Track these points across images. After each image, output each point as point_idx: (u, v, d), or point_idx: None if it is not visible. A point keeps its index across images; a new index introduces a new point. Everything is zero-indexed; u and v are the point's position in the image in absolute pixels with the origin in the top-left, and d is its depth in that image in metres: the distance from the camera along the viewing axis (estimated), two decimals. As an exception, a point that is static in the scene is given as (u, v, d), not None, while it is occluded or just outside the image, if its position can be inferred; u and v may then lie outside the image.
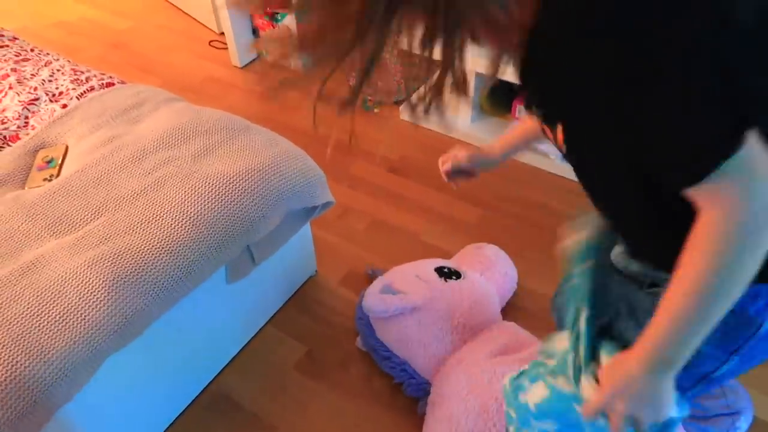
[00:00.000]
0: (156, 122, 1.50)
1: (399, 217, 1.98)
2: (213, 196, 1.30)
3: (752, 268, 0.63)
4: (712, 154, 0.58)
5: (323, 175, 1.51)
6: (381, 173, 2.15)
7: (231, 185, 1.32)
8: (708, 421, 1.32)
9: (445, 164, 1.15)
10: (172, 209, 1.27)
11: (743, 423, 1.32)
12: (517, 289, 1.69)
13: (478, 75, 2.13)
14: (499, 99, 2.26)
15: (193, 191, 1.30)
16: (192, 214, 1.26)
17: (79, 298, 1.12)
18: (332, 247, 1.88)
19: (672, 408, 0.74)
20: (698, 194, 0.62)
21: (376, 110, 2.42)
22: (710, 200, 0.61)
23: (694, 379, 0.81)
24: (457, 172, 1.15)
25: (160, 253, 1.20)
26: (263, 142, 1.47)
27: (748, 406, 1.34)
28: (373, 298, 1.47)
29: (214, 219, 1.27)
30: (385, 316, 1.46)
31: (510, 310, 1.64)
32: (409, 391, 1.45)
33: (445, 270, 1.54)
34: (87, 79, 1.69)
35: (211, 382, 1.54)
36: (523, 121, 1.08)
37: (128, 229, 1.24)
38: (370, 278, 1.73)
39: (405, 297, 1.44)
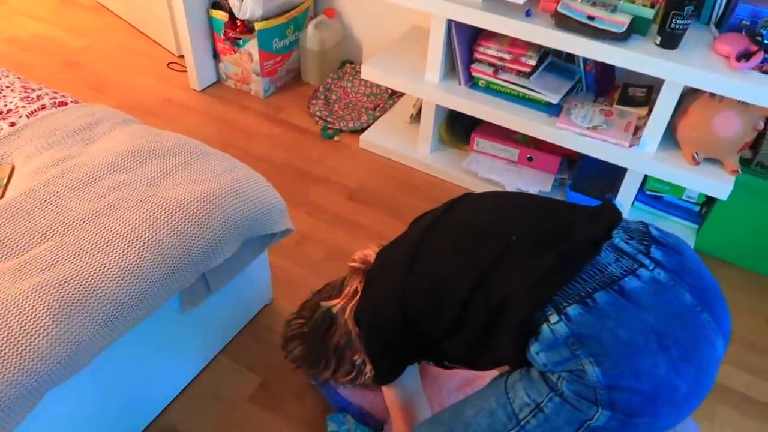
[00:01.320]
0: (111, 144, 1.46)
1: (357, 245, 1.97)
2: (168, 221, 1.26)
3: None
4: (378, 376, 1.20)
5: (283, 202, 1.50)
6: (340, 201, 2.14)
7: (188, 210, 1.29)
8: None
9: None
10: (125, 234, 1.22)
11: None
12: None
13: (438, 107, 2.17)
14: (457, 130, 2.31)
15: (147, 216, 1.26)
16: (145, 239, 1.23)
17: (21, 327, 1.06)
18: (289, 275, 1.85)
19: None
20: None
21: (336, 138, 2.42)
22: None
23: (576, 425, 0.87)
24: None
25: (110, 280, 1.16)
26: (222, 167, 1.45)
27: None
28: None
29: (169, 245, 1.24)
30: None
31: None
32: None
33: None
34: (38, 97, 1.63)
35: (158, 415, 1.47)
36: None
37: (77, 254, 1.19)
38: None
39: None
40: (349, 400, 1.46)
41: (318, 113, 2.50)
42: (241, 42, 2.51)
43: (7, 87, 1.67)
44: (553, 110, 2.00)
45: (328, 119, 2.48)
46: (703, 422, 1.51)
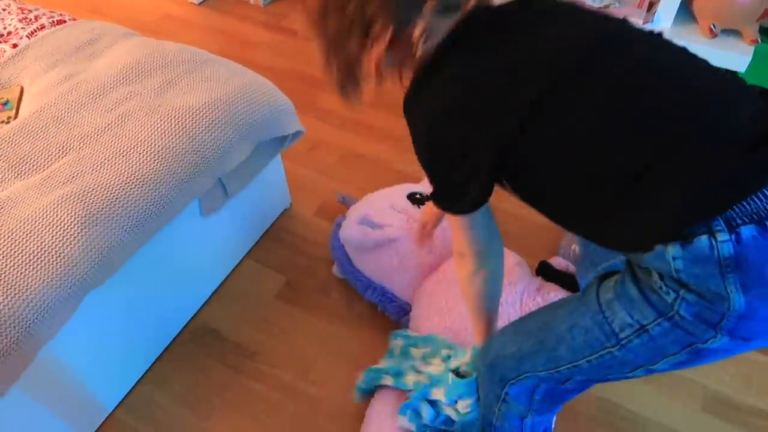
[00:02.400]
0: (114, 58, 1.45)
1: (370, 147, 1.98)
2: (180, 129, 1.28)
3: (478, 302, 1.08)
4: (445, 204, 0.93)
5: (291, 104, 1.50)
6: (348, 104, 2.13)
7: (197, 117, 1.30)
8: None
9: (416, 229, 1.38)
10: (139, 144, 1.25)
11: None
12: (488, 209, 1.73)
13: None
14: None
15: (158, 125, 1.28)
16: (159, 147, 1.25)
17: (53, 237, 1.12)
18: (305, 179, 1.88)
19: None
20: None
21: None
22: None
23: (681, 345, 0.80)
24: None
25: (131, 188, 1.19)
26: (227, 73, 1.44)
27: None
28: (350, 230, 1.49)
29: (183, 151, 1.26)
30: (362, 247, 1.49)
31: (483, 230, 1.69)
32: (390, 314, 1.50)
33: (418, 196, 1.56)
34: (36, 18, 1.62)
35: (194, 316, 1.56)
36: None
37: (95, 166, 1.22)
38: (341, 205, 1.75)
39: (383, 232, 1.46)
40: (372, 280, 1.51)
41: (319, 17, 2.44)
42: (233, -53, 2.42)
43: (4, 9, 1.65)
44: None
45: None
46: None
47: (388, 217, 1.50)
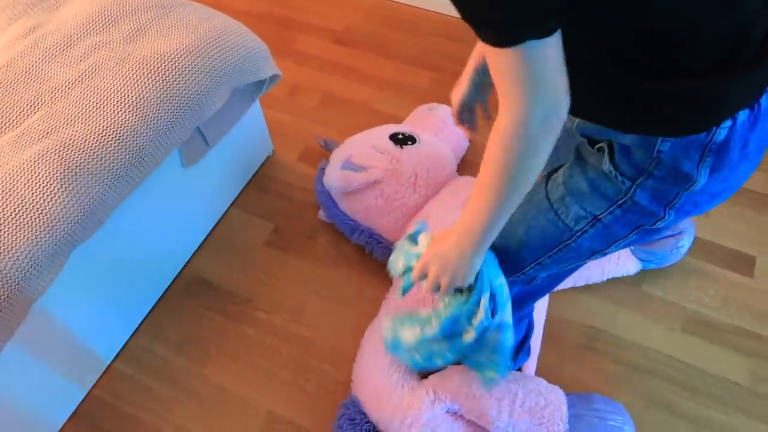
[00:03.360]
0: (78, 6, 1.40)
1: (349, 89, 1.95)
2: (153, 77, 1.25)
3: (533, 171, 0.73)
4: (500, 33, 0.61)
5: (266, 47, 1.46)
6: (326, 46, 2.08)
7: (170, 65, 1.27)
8: (652, 244, 1.43)
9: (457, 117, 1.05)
10: (112, 96, 1.22)
11: (685, 242, 1.43)
12: (469, 145, 1.73)
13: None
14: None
15: (131, 75, 1.25)
16: (134, 98, 1.22)
17: (32, 193, 1.11)
18: (286, 125, 1.86)
19: (469, 279, 0.91)
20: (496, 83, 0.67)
21: (314, -20, 2.30)
22: (503, 101, 0.67)
23: (631, 228, 0.85)
24: (465, 114, 1.04)
25: (108, 141, 1.17)
26: (198, 17, 1.40)
27: (690, 226, 1.45)
28: (334, 175, 1.49)
29: (158, 101, 1.24)
30: (347, 191, 1.49)
31: (465, 166, 1.69)
32: (378, 254, 1.51)
33: (400, 136, 1.55)
34: (-8, -32, 1.54)
35: (184, 267, 1.57)
36: None
37: (69, 120, 1.20)
38: (324, 150, 1.74)
39: (366, 174, 1.46)
40: (359, 222, 1.52)
41: (291, -46, 2.35)
42: None
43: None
44: None
45: (303, -40, 2.32)
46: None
47: (371, 159, 1.50)
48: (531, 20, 0.59)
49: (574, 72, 0.65)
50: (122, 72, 1.25)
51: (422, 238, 0.98)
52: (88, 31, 1.34)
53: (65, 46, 1.31)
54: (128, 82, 1.24)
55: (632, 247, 1.43)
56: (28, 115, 1.22)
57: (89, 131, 1.18)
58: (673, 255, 1.44)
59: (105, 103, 1.22)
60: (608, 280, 1.46)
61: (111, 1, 1.40)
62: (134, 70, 1.26)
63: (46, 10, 1.41)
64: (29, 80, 1.27)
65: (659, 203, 0.79)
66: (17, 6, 1.42)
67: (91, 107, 1.21)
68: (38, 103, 1.24)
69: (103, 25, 1.35)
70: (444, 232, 0.91)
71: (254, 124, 1.67)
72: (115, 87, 1.24)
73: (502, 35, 0.61)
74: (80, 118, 1.20)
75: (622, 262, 1.44)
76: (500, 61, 0.64)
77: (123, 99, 1.22)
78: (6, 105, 1.24)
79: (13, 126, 1.22)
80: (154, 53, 1.29)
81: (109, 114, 1.20)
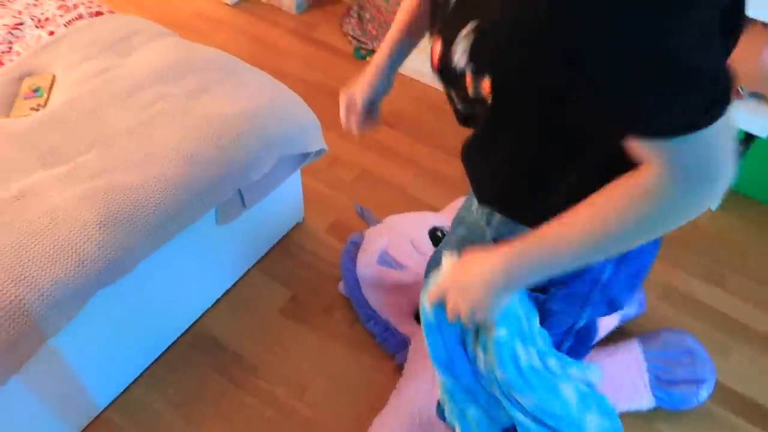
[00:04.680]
0: (149, 56, 1.46)
1: (387, 169, 1.98)
2: (208, 136, 1.28)
3: (657, 234, 0.65)
4: (693, 117, 0.54)
5: (318, 122, 1.50)
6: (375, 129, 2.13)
7: (227, 126, 1.30)
8: (674, 386, 1.40)
9: (349, 118, 1.03)
10: (167, 147, 1.25)
11: (705, 392, 1.40)
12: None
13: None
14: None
15: (187, 130, 1.28)
16: (186, 153, 1.25)
17: (71, 231, 1.12)
18: (320, 195, 1.88)
19: (493, 318, 0.78)
20: (648, 147, 0.58)
21: (369, 59, 2.38)
22: (661, 157, 0.58)
23: (562, 333, 0.88)
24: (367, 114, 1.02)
25: (153, 191, 1.19)
26: (260, 84, 1.45)
27: (712, 376, 1.42)
28: (369, 269, 1.50)
29: (209, 160, 1.26)
30: (376, 285, 1.50)
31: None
32: (388, 347, 1.49)
33: (439, 234, 1.57)
34: (75, 6, 1.62)
35: (196, 321, 1.55)
36: (403, 11, 0.95)
37: (121, 164, 1.22)
38: (359, 217, 1.74)
39: (400, 275, 1.47)
40: (377, 311, 1.51)
41: (351, 33, 2.45)
42: (273, -46, 2.43)
43: (43, -6, 1.66)
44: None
45: (362, 39, 2.43)
46: (717, 357, 1.55)
47: (408, 257, 1.51)
48: (729, 86, 0.55)
49: (551, 184, 0.69)
50: (180, 126, 1.29)
51: (445, 259, 0.82)
52: (156, 81, 1.39)
53: (131, 92, 1.36)
54: (184, 137, 1.27)
55: (650, 383, 1.40)
56: (83, 153, 1.25)
57: (138, 178, 1.20)
58: (689, 401, 1.40)
59: (158, 153, 1.24)
60: (621, 412, 1.42)
61: (181, 56, 1.45)
62: (191, 126, 1.29)
63: (119, 54, 1.47)
64: (91, 119, 1.30)
65: (574, 307, 0.82)
66: (92, 46, 1.48)
67: (144, 155, 1.24)
68: (95, 142, 1.27)
69: (170, 78, 1.40)
70: (476, 253, 0.77)
71: (290, 189, 1.69)
72: (171, 139, 1.27)
73: (712, 109, 0.54)
74: (132, 164, 1.22)
75: (636, 395, 1.40)
76: (685, 147, 0.56)
77: (176, 152, 1.25)
78: (64, 140, 1.27)
79: (66, 161, 1.24)
80: (213, 113, 1.32)
81: (159, 164, 1.23)
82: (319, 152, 1.55)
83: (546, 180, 0.72)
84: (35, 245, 1.09)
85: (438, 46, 0.70)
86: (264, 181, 1.44)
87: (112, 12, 1.64)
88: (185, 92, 1.37)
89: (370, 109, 1.02)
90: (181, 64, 1.43)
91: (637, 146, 0.59)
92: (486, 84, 0.66)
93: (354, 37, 2.44)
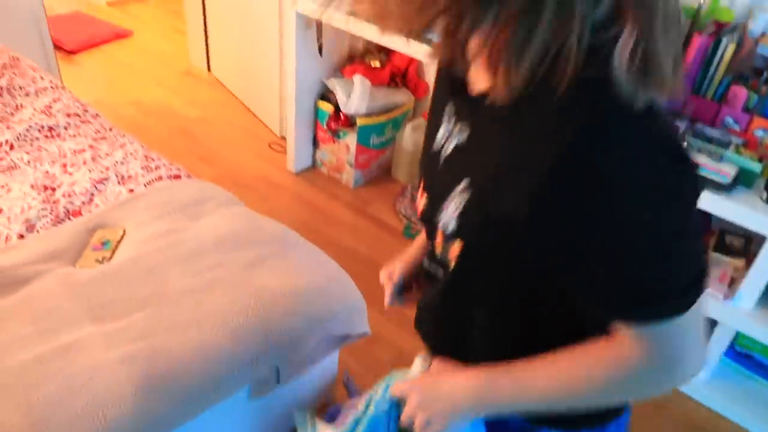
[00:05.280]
0: (216, 223, 1.54)
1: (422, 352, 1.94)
2: (256, 311, 1.30)
3: (622, 399, 0.75)
4: (671, 304, 0.57)
5: (365, 304, 1.51)
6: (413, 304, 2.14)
7: (276, 303, 1.32)
8: None
9: (385, 292, 1.01)
10: (216, 317, 1.27)
11: None
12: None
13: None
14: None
15: (239, 301, 1.30)
16: (232, 325, 1.26)
17: (106, 392, 1.10)
18: (355, 375, 1.83)
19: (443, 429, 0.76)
20: (627, 327, 0.62)
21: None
22: (640, 337, 0.62)
23: None
24: (398, 293, 1.01)
25: (195, 360, 1.19)
26: (313, 261, 1.49)
27: None
28: None
29: (253, 333, 1.27)
30: None
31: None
32: None
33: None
34: (156, 167, 1.76)
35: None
36: None
37: (168, 327, 1.24)
38: (344, 386, 1.66)
39: None
40: None
41: (403, 212, 2.56)
42: (341, 134, 2.65)
43: (131, 154, 1.82)
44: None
45: (413, 219, 2.52)
46: None
47: None
48: (705, 272, 0.59)
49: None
50: (230, 296, 1.32)
51: (418, 361, 0.85)
52: (217, 248, 1.45)
53: (191, 257, 1.41)
54: (231, 308, 1.29)
55: None
56: (133, 312, 1.28)
57: (180, 346, 1.20)
58: None
59: (204, 321, 1.26)
60: None
61: (244, 225, 1.53)
62: (241, 298, 1.31)
63: (189, 218, 1.56)
64: (149, 278, 1.35)
65: None
66: (165, 207, 1.58)
67: (191, 321, 1.25)
68: (148, 302, 1.30)
69: (231, 247, 1.46)
70: (449, 368, 0.78)
71: (326, 368, 1.66)
72: (219, 308, 1.29)
73: (688, 297, 0.58)
74: (177, 329, 1.24)
75: None
76: (666, 329, 0.60)
77: (221, 322, 1.26)
78: (118, 297, 1.31)
79: (116, 318, 1.26)
80: (264, 286, 1.35)
81: (205, 332, 1.24)
82: (361, 335, 1.54)
83: (495, 338, 0.76)
84: (68, 403, 1.08)
85: (424, 200, 0.76)
86: (303, 358, 1.43)
87: (189, 176, 1.78)
88: (242, 262, 1.42)
89: (408, 286, 1.02)
90: (243, 234, 1.50)
91: (615, 322, 0.63)
92: (455, 248, 0.70)
93: (405, 216, 2.54)
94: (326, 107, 2.64)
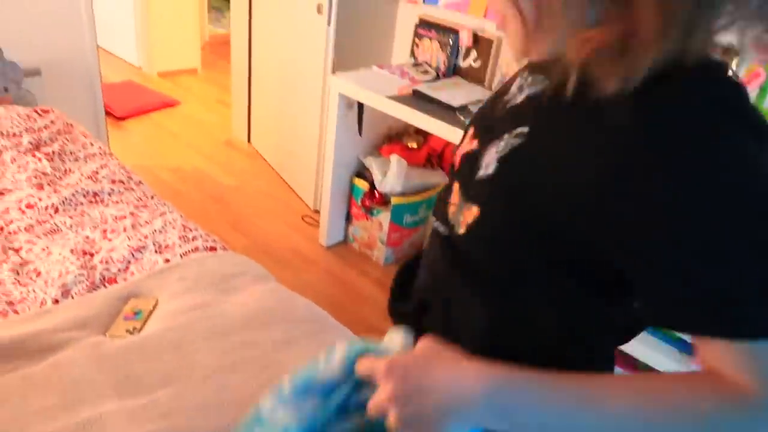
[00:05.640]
0: (247, 299, 1.53)
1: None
2: (284, 394, 1.26)
3: None
4: None
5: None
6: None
7: (304, 387, 1.28)
8: None
9: None
10: (241, 399, 1.23)
11: None
12: None
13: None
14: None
15: (263, 386, 1.26)
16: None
17: (123, 476, 1.06)
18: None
19: None
20: (729, 352, 0.50)
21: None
22: (750, 367, 0.49)
23: None
24: None
25: (216, 445, 1.14)
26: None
27: None
28: None
29: (279, 419, 1.22)
30: None
31: None
32: None
33: None
34: (193, 238, 1.78)
35: None
36: None
37: (192, 409, 1.20)
38: None
39: None
40: None
41: (433, 293, 2.52)
42: (375, 211, 2.66)
43: (170, 223, 1.84)
44: (686, 347, 1.87)
45: (442, 301, 2.48)
46: None
47: None
48: None
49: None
50: (256, 379, 1.28)
51: (396, 334, 0.64)
52: (246, 326, 1.43)
53: (221, 334, 1.39)
54: (256, 393, 1.25)
55: None
56: (158, 388, 1.25)
57: (203, 428, 1.17)
58: None
59: (230, 404, 1.22)
60: None
61: (276, 303, 1.51)
62: (266, 382, 1.27)
63: (221, 292, 1.55)
64: (177, 353, 1.33)
65: None
66: (198, 280, 1.58)
67: (216, 403, 1.22)
68: (174, 378, 1.27)
69: (261, 325, 1.44)
70: (450, 351, 0.58)
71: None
72: (244, 391, 1.25)
73: None
74: (201, 411, 1.20)
75: None
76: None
77: (245, 406, 1.22)
78: (146, 370, 1.28)
79: (141, 393, 1.24)
80: (293, 369, 1.32)
81: (228, 417, 1.20)
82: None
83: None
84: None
85: (472, 145, 0.67)
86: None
87: (225, 249, 1.78)
88: (272, 342, 1.39)
89: None
90: (274, 312, 1.48)
91: (710, 354, 0.51)
92: (469, 213, 0.60)
93: (435, 298, 2.50)
94: (362, 184, 2.68)
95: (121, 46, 4.92)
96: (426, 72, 2.53)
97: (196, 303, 1.49)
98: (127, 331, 1.41)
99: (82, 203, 1.89)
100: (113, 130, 3.58)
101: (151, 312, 1.48)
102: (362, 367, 0.63)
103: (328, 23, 2.62)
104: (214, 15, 5.98)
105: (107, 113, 3.17)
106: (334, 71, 2.63)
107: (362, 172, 2.71)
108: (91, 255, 1.67)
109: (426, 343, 0.60)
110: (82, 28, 2.79)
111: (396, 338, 0.63)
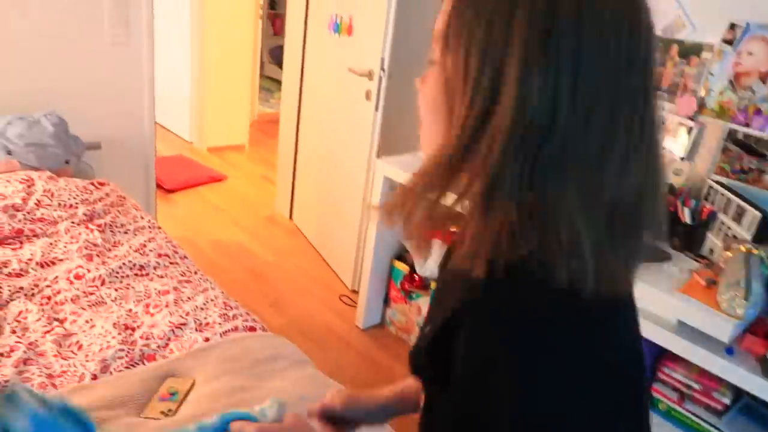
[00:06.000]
0: (284, 384, 1.49)
1: None
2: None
3: None
4: None
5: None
6: None
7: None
8: None
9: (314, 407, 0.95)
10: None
11: None
12: None
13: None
14: None
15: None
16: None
17: None
18: None
19: None
20: None
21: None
22: None
23: None
24: (329, 417, 0.94)
25: None
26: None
27: None
28: None
29: None
30: None
31: None
32: None
33: None
34: (234, 317, 1.77)
35: None
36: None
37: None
38: None
39: None
40: None
41: (471, 384, 2.43)
42: (414, 295, 2.62)
43: (212, 300, 1.84)
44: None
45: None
46: None
47: None
48: None
49: None
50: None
51: (271, 404, 0.79)
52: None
53: (256, 421, 1.35)
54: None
55: None
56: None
57: None
58: None
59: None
60: None
61: (310, 392, 1.47)
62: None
63: (258, 377, 1.52)
64: (210, 441, 1.29)
65: None
66: (236, 362, 1.55)
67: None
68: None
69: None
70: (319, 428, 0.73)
71: None
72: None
73: None
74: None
75: None
76: None
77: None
78: (178, 457, 1.24)
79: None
80: None
81: None
82: None
83: None
84: None
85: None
86: None
87: (264, 330, 1.76)
88: None
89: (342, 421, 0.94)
90: (309, 400, 1.43)
91: None
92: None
93: (474, 389, 2.41)
94: (402, 267, 2.66)
95: (175, 121, 5.16)
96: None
97: (233, 387, 1.46)
98: (162, 412, 1.38)
99: (128, 275, 1.91)
100: (161, 202, 3.69)
101: (187, 393, 1.45)
102: (235, 428, 0.76)
103: (376, 108, 2.70)
104: (264, 95, 6.27)
105: (157, 186, 3.28)
106: (379, 155, 2.69)
107: (403, 255, 2.69)
108: (132, 330, 1.67)
109: (293, 418, 0.76)
110: (143, 104, 2.94)
111: (270, 409, 0.79)
